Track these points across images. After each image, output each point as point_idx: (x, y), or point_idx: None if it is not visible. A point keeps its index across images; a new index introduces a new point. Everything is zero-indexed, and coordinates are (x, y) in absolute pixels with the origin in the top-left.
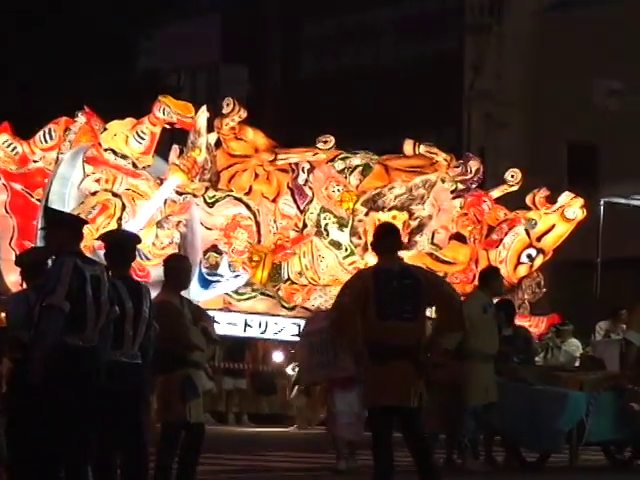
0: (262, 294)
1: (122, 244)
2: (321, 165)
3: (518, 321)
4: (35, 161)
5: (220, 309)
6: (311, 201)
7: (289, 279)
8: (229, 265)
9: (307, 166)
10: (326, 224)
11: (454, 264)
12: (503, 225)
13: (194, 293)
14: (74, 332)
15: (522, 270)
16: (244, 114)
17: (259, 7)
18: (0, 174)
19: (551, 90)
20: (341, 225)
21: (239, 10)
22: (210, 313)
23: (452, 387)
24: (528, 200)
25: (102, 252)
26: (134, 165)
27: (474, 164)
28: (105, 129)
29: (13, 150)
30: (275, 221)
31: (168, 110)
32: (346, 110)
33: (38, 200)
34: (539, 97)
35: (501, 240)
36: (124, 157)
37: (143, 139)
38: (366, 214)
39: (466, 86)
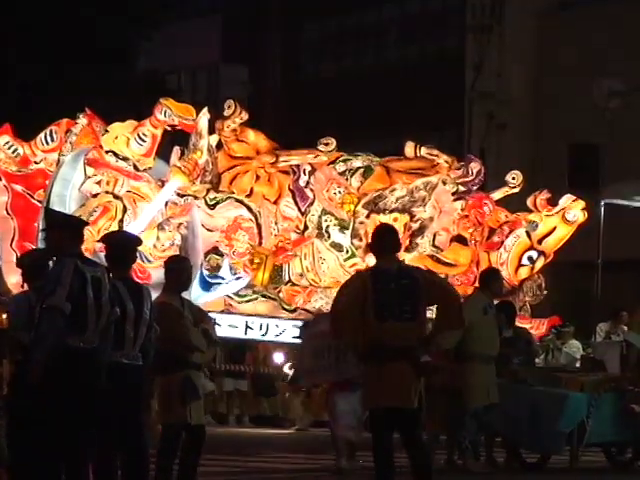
0: (263, 296)
1: (123, 245)
2: (322, 167)
3: (519, 323)
4: (36, 162)
5: (221, 311)
6: (312, 203)
7: (290, 281)
8: (230, 267)
9: (308, 168)
10: (327, 226)
11: (455, 266)
12: (504, 227)
13: (195, 295)
14: (75, 333)
15: (523, 272)
16: (245, 116)
17: (259, 7)
18: (1, 175)
19: (552, 90)
20: (342, 227)
21: (239, 10)
22: (211, 315)
23: (453, 388)
24: (529, 202)
25: (103, 254)
26: (135, 167)
27: (475, 166)
28: (106, 131)
29: (14, 152)
30: (276, 223)
31: (169, 112)
32: (346, 110)
33: (39, 201)
34: (540, 97)
35: (502, 242)
36: (125, 159)
37: (144, 141)
38: (367, 216)
39: (467, 86)
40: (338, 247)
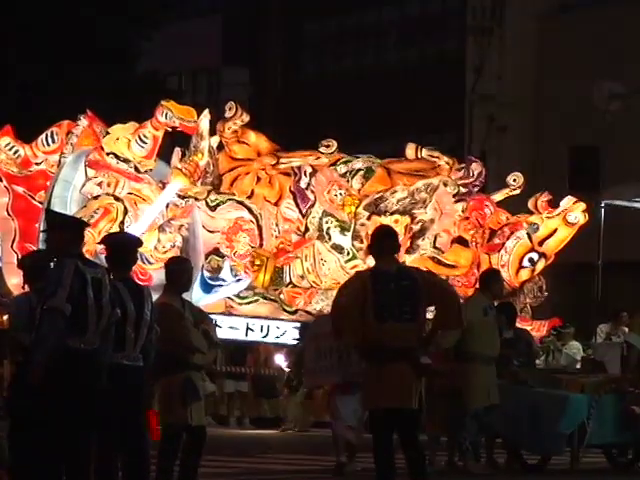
0: (264, 298)
1: (123, 246)
2: (323, 169)
3: (520, 325)
4: (37, 164)
5: (222, 313)
6: (313, 205)
7: (291, 282)
8: (231, 269)
9: (309, 170)
10: (328, 228)
11: (456, 267)
12: (505, 229)
13: (196, 297)
14: (75, 335)
15: (524, 274)
16: (246, 118)
17: (259, 8)
18: (2, 176)
19: (552, 92)
20: (343, 229)
21: (239, 11)
22: (212, 317)
23: (453, 390)
24: (530, 204)
25: (103, 256)
26: (136, 169)
27: (476, 167)
28: (107, 133)
29: (15, 153)
30: (277, 225)
31: (170, 115)
32: (347, 111)
33: (40, 203)
34: (540, 100)
35: (503, 244)
36: (126, 161)
37: (145, 143)
38: (368, 218)
39: (467, 88)
40: (339, 249)
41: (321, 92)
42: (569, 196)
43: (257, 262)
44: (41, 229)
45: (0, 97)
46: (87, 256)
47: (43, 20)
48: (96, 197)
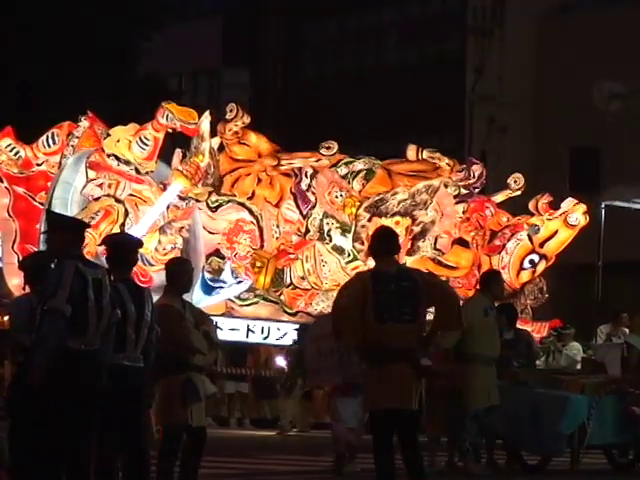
0: (264, 299)
1: (124, 247)
2: (324, 170)
3: (520, 326)
4: (38, 164)
5: (222, 314)
6: (314, 206)
7: (292, 284)
8: (232, 271)
9: (310, 171)
10: (329, 229)
11: (457, 269)
12: (506, 231)
13: (197, 299)
14: (76, 335)
15: (525, 276)
16: (247, 120)
17: (259, 9)
18: (3, 177)
19: (552, 93)
20: (344, 230)
21: (239, 11)
22: (212, 318)
23: (453, 390)
24: (531, 206)
25: (104, 257)
26: (137, 171)
27: (477, 169)
28: (108, 135)
29: (16, 154)
30: (278, 226)
31: (171, 116)
32: (347, 112)
33: (41, 204)
34: (540, 100)
35: (504, 246)
36: (127, 163)
37: (146, 145)
38: (369, 220)
39: (468, 89)
40: (340, 250)
41: (321, 93)
42: (570, 198)
43: (258, 264)
44: (42, 230)
45: (0, 97)
46: (88, 258)
47: (43, 20)
48: (97, 199)
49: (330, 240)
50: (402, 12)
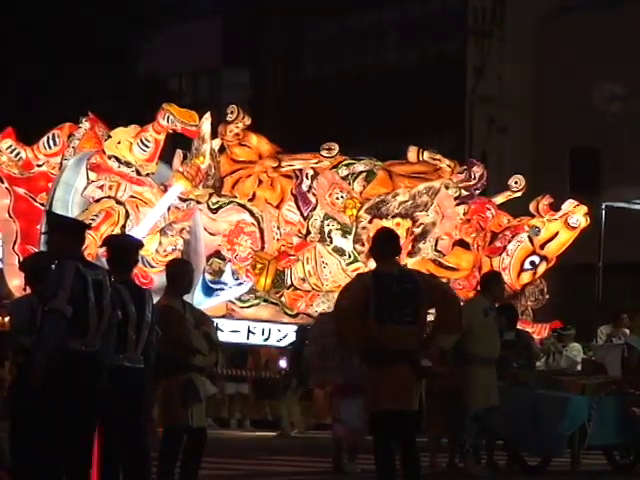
0: (265, 301)
1: (124, 248)
2: (325, 171)
3: (521, 327)
4: (39, 165)
5: (223, 316)
6: (315, 208)
7: (292, 285)
8: (232, 272)
9: (311, 172)
10: (330, 231)
11: (457, 270)
12: (506, 232)
13: (197, 301)
14: (76, 336)
15: (525, 277)
16: (248, 121)
17: (259, 9)
18: (3, 178)
19: (552, 93)
20: (345, 232)
21: (239, 12)
22: (213, 320)
23: (453, 391)
24: (531, 207)
25: (105, 259)
26: (138, 172)
27: (478, 170)
28: (109, 136)
29: (17, 155)
30: (279, 227)
31: (172, 118)
32: (347, 112)
33: (41, 204)
34: (541, 101)
35: (504, 247)
36: (128, 164)
37: (147, 147)
38: (370, 221)
39: (468, 89)
40: (340, 252)
41: (321, 93)
42: (570, 199)
43: (258, 266)
44: (42, 231)
45: (0, 97)
46: (89, 259)
47: (43, 20)
48: (98, 200)
49: (331, 242)
50: (402, 12)
